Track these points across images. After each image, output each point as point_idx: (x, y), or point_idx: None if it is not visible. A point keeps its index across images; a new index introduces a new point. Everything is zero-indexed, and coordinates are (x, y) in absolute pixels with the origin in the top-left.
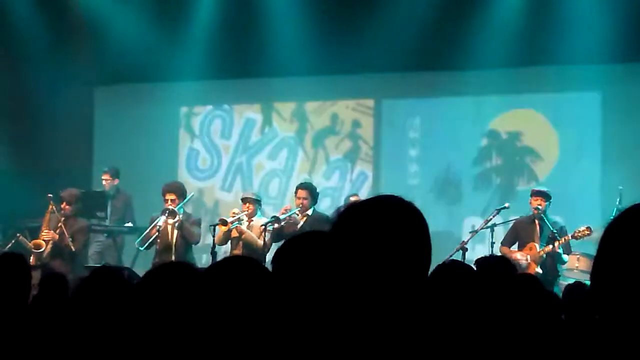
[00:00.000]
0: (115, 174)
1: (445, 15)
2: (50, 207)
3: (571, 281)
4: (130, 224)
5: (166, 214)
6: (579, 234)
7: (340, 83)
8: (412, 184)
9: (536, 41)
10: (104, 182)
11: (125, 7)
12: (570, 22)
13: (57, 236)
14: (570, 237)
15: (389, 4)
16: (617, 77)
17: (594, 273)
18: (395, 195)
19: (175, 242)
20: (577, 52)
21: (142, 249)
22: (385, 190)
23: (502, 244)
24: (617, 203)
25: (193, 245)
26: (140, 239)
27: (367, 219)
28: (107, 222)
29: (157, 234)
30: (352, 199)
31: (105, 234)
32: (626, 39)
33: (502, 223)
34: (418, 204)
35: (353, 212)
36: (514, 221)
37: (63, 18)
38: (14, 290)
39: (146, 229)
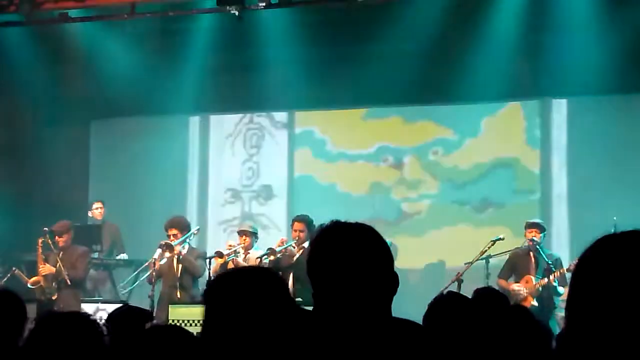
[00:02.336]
0: (104, 204)
1: (439, 47)
2: (41, 240)
3: None
4: (124, 255)
5: (162, 248)
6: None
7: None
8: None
9: (529, 73)
10: (98, 210)
11: (121, 41)
12: (562, 54)
13: (55, 269)
14: (565, 270)
15: (382, 36)
16: (609, 109)
17: (569, 305)
18: (359, 222)
19: (180, 276)
20: (569, 84)
21: (129, 288)
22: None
23: (499, 276)
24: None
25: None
26: (140, 270)
27: (340, 246)
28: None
29: (154, 266)
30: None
31: (101, 267)
32: (622, 71)
33: (497, 255)
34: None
35: (328, 238)
36: (510, 253)
37: (59, 52)
38: (6, 327)
39: (141, 262)
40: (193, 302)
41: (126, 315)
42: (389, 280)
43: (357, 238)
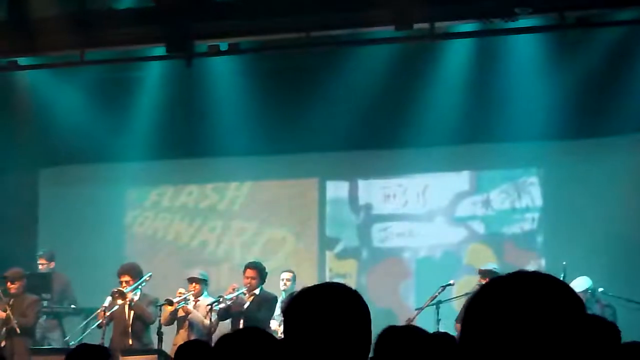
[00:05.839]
0: (50, 258)
1: (388, 93)
2: None
3: None
4: (73, 306)
5: (114, 295)
6: None
7: (284, 163)
8: None
9: (477, 119)
10: (40, 266)
11: (69, 88)
12: (510, 100)
13: (5, 314)
14: None
15: (331, 83)
16: (555, 154)
17: (460, 344)
18: (339, 282)
19: (132, 322)
20: (517, 129)
21: (79, 338)
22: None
23: (457, 320)
24: (562, 278)
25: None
26: (91, 318)
27: (315, 305)
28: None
29: (104, 314)
30: (286, 274)
31: (51, 316)
32: (564, 117)
33: (448, 300)
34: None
35: (302, 299)
36: (466, 298)
37: (7, 99)
38: None
39: (91, 310)
40: (144, 349)
41: (83, 354)
42: (363, 344)
43: (336, 300)
